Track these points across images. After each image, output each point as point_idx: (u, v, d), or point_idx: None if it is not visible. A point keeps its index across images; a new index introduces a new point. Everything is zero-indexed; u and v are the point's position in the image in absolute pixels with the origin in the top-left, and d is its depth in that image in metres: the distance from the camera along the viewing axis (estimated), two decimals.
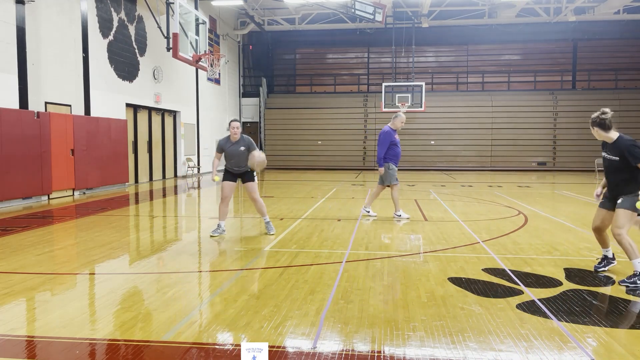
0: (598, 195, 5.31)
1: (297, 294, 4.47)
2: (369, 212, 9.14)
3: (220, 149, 7.16)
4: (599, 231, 5.21)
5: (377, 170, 25.14)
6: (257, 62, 28.63)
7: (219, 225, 7.28)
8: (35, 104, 11.74)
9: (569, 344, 3.42)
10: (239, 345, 3.32)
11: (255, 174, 7.26)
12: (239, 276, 5.12)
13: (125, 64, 15.59)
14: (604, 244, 5.26)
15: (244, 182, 7.27)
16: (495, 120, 24.88)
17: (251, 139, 7.20)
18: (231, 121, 7.05)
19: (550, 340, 3.47)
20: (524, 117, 24.72)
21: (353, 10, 19.59)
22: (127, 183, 15.12)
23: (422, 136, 25.15)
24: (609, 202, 5.06)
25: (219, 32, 22.94)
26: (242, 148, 7.03)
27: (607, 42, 25.86)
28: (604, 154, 5.10)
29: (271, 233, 7.35)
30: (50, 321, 3.83)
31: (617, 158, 4.86)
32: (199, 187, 15.83)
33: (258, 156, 6.90)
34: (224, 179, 7.26)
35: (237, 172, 7.22)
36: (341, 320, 3.82)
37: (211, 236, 7.22)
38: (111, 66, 14.88)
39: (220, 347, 3.38)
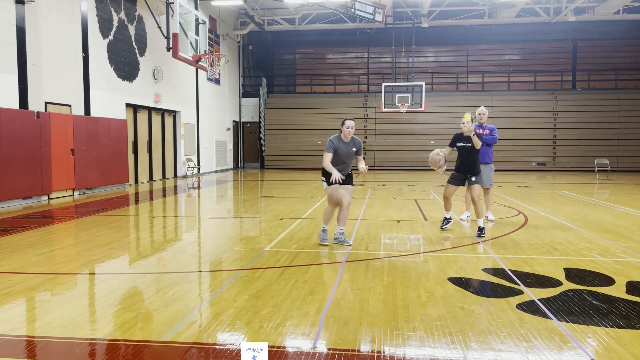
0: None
1: (297, 294, 4.47)
2: (487, 217, 8.69)
3: (334, 148, 6.32)
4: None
5: (376, 170, 25.20)
6: (257, 62, 28.63)
7: (342, 233, 6.66)
8: (35, 104, 11.74)
9: (569, 344, 3.42)
10: (239, 346, 3.32)
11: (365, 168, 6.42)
12: (239, 276, 5.12)
13: (125, 64, 15.59)
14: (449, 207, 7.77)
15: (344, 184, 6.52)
16: (495, 120, 24.80)
17: (361, 142, 6.58)
18: (346, 120, 6.31)
19: (550, 340, 3.47)
20: (524, 117, 24.72)
21: (353, 10, 19.58)
22: (127, 183, 15.12)
23: (422, 136, 25.15)
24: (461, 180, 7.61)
25: (219, 32, 22.94)
26: (354, 149, 6.44)
27: (607, 42, 25.86)
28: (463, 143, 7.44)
29: (349, 243, 6.64)
30: (50, 321, 3.83)
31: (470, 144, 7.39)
32: (199, 187, 15.83)
33: None
34: (335, 182, 6.34)
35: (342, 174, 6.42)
36: (341, 320, 3.82)
37: (349, 244, 6.61)
38: (111, 66, 14.88)
39: (220, 347, 3.38)
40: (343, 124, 6.35)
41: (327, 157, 6.33)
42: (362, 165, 6.46)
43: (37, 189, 11.14)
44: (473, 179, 7.50)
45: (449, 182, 7.70)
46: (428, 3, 20.71)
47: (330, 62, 28.11)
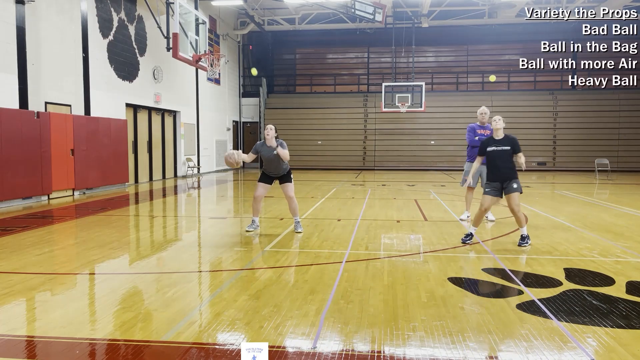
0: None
1: (297, 294, 4.47)
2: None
3: (255, 150, 7.36)
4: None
5: (376, 170, 25.20)
6: (257, 62, 28.63)
7: (253, 221, 7.58)
8: (35, 104, 11.73)
9: (569, 344, 3.42)
10: (239, 346, 3.32)
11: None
12: (239, 276, 5.12)
13: (125, 64, 15.59)
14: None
15: (280, 183, 7.52)
16: None
17: (284, 142, 7.36)
18: (266, 125, 7.45)
19: (550, 340, 3.47)
20: (524, 117, 24.71)
21: (353, 10, 19.59)
22: (127, 183, 15.11)
23: (422, 136, 25.15)
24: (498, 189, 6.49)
25: (219, 32, 22.93)
26: (275, 152, 7.24)
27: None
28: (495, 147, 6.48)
29: (298, 231, 7.52)
30: (50, 321, 3.83)
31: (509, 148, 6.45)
32: (199, 187, 15.83)
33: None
34: (260, 180, 7.52)
35: (273, 176, 7.48)
36: (341, 320, 3.82)
37: (247, 231, 7.50)
38: (111, 66, 14.88)
39: (220, 347, 3.38)
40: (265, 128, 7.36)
41: (249, 157, 7.33)
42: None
43: (37, 189, 11.14)
44: (514, 185, 6.36)
45: (487, 192, 6.50)
46: (428, 3, 20.72)
47: (330, 62, 28.11)
